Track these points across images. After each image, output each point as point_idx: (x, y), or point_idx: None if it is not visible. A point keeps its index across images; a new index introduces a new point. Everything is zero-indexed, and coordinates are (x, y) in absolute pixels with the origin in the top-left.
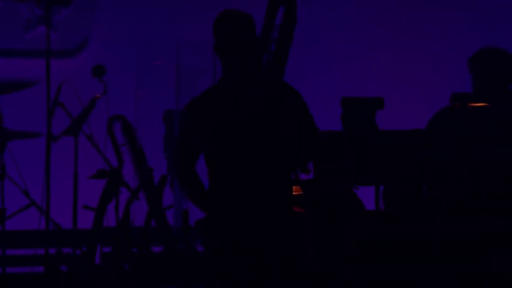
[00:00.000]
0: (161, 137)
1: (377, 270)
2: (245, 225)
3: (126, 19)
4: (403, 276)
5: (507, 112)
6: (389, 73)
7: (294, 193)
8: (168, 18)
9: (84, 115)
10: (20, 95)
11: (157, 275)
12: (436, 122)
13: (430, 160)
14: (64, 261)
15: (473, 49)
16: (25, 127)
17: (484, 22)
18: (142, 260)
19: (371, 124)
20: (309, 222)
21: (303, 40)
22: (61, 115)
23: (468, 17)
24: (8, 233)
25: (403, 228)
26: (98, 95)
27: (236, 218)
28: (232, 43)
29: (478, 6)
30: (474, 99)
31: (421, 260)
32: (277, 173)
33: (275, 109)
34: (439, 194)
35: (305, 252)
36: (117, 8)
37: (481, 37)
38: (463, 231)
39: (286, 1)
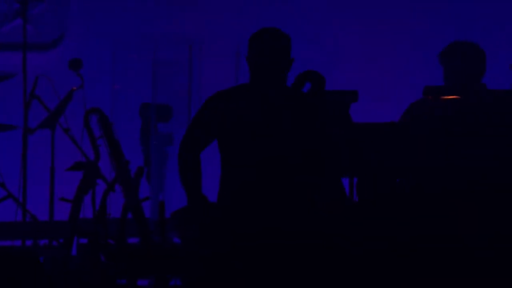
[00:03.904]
0: (137, 130)
1: (354, 263)
2: (251, 221)
3: (103, 13)
4: (379, 268)
5: (478, 104)
6: (364, 66)
7: None
8: (145, 12)
9: (61, 108)
10: None
11: (133, 267)
12: (409, 115)
13: (404, 153)
14: (40, 252)
15: (447, 42)
16: (1, 120)
17: (463, 15)
18: (119, 252)
19: (345, 117)
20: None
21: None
22: (38, 108)
23: (447, 9)
24: None
25: (377, 220)
26: (74, 88)
27: (242, 215)
28: (267, 61)
29: None
30: (446, 92)
31: (393, 253)
32: (289, 177)
33: (294, 119)
34: (412, 187)
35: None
36: (93, 2)
37: (457, 32)
38: (436, 223)
39: (312, 78)
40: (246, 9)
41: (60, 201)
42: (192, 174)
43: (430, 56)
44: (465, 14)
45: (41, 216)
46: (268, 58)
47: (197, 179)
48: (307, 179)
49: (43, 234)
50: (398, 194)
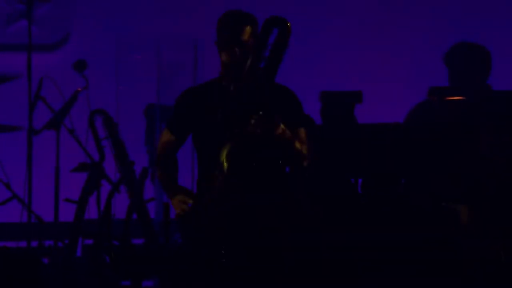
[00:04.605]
0: (142, 131)
1: (355, 263)
2: (229, 214)
3: (107, 13)
4: (382, 268)
5: (483, 105)
6: (368, 67)
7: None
8: (149, 12)
9: (66, 109)
10: (1, 89)
11: (138, 268)
12: (413, 115)
13: (409, 153)
14: (45, 253)
15: (451, 43)
16: (6, 121)
17: (464, 16)
18: (123, 253)
19: (349, 118)
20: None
21: None
22: (43, 109)
23: (450, 11)
24: None
25: (382, 221)
26: (79, 89)
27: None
28: (234, 41)
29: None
30: (451, 93)
31: (398, 254)
32: (265, 167)
33: (265, 107)
34: (417, 187)
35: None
36: (98, 3)
37: (460, 31)
38: (440, 223)
39: (280, 24)
40: (250, 9)
41: (65, 202)
42: (170, 175)
43: (435, 57)
44: (469, 14)
45: (46, 217)
46: (238, 40)
47: (176, 179)
48: (284, 171)
49: (48, 235)
50: (403, 195)
